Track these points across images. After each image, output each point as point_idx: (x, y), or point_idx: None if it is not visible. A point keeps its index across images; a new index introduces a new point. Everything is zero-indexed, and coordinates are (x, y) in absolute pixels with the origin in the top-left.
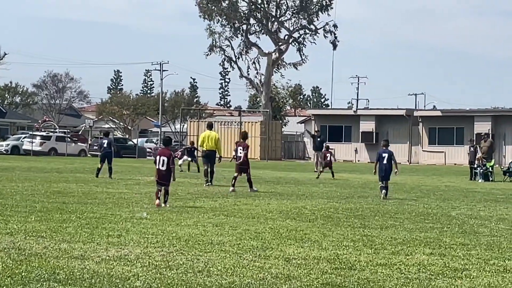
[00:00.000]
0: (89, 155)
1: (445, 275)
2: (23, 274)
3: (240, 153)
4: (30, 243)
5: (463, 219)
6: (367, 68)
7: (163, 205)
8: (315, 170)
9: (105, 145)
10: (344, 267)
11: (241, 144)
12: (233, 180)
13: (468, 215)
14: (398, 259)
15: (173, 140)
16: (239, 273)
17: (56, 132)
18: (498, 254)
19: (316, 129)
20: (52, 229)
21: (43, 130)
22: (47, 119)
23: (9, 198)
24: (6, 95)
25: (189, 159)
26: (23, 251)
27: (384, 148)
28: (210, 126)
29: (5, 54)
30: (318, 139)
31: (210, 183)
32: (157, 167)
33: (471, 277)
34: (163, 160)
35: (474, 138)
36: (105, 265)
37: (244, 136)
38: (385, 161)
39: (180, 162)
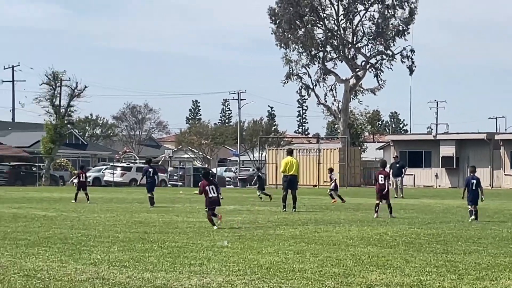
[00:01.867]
0: (169, 185)
1: None
2: None
3: (382, 180)
4: (113, 272)
5: None
6: (446, 92)
7: (219, 222)
8: (395, 195)
9: (151, 174)
10: None
11: (382, 172)
12: (376, 207)
13: None
14: (483, 284)
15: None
16: None
17: (136, 163)
18: None
19: (394, 155)
20: (135, 258)
21: (123, 161)
22: (127, 150)
23: (92, 229)
24: (87, 127)
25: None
26: (107, 280)
27: (472, 174)
28: (290, 152)
29: (86, 87)
30: (397, 165)
31: (294, 209)
32: (210, 195)
33: None
34: (212, 188)
35: None
36: None
37: (383, 164)
38: (473, 187)
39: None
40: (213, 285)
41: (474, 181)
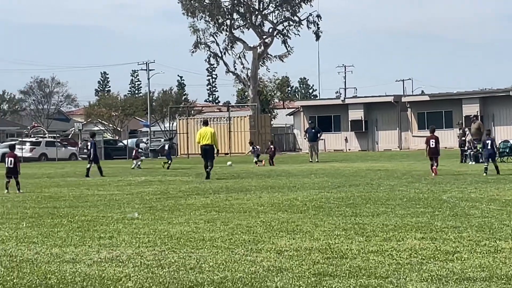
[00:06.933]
0: (79, 158)
1: (436, 258)
2: (14, 281)
3: (432, 144)
4: (21, 249)
5: (454, 202)
6: (354, 57)
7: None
8: (310, 160)
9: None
10: (336, 256)
11: (432, 137)
12: (431, 167)
13: (459, 197)
14: (390, 245)
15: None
16: (231, 268)
17: (45, 137)
18: (489, 235)
19: (309, 121)
20: (44, 234)
21: (32, 136)
22: (36, 125)
23: (0, 206)
24: None
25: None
26: (14, 257)
27: (488, 136)
28: (205, 123)
29: None
30: (313, 130)
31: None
32: (6, 165)
33: (463, 259)
34: (11, 160)
35: (463, 121)
36: (97, 267)
37: (433, 130)
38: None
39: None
40: (122, 257)
41: (489, 142)
